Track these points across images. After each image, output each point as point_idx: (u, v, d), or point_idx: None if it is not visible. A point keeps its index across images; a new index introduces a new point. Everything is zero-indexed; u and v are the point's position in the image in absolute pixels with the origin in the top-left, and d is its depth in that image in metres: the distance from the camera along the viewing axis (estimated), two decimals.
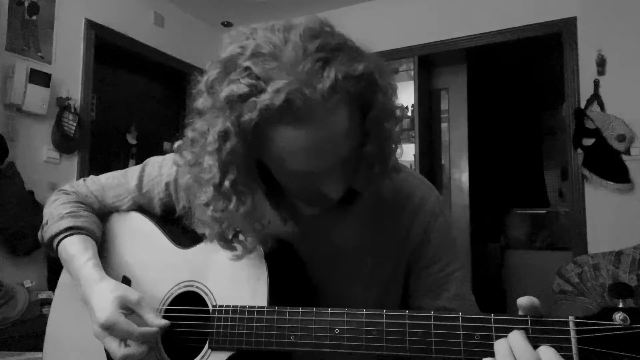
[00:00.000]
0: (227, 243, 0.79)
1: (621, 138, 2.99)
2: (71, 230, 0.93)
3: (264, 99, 0.63)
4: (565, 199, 4.77)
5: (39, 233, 0.99)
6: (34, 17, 2.87)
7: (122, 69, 3.72)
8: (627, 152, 3.00)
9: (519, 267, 4.38)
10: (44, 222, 0.98)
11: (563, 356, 0.57)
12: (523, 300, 0.60)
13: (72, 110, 3.01)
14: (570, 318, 0.58)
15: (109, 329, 0.78)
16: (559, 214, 4.61)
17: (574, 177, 3.18)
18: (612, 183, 3.02)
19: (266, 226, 0.78)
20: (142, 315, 0.80)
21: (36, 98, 2.79)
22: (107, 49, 3.39)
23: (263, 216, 0.77)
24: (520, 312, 0.62)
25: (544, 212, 4.81)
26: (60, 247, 0.93)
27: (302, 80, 0.64)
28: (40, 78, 2.81)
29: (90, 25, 3.24)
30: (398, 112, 0.75)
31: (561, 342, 0.58)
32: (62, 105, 2.98)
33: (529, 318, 0.60)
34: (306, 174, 0.70)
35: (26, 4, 2.83)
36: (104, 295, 0.81)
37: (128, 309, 0.81)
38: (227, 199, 0.73)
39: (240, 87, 0.65)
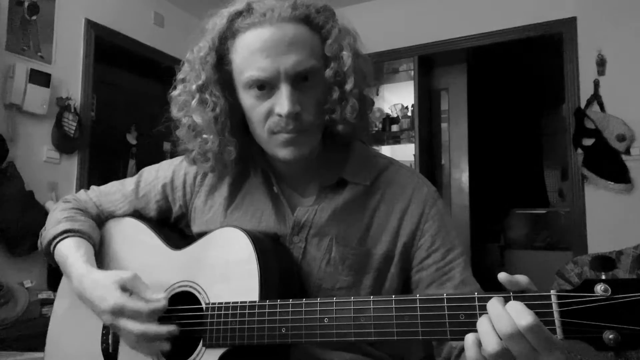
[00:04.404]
0: (202, 156, 0.88)
1: (621, 138, 2.99)
2: (67, 233, 0.95)
3: (232, 8, 0.82)
4: (565, 199, 4.78)
5: (39, 241, 1.01)
6: (34, 17, 2.87)
7: (122, 69, 3.72)
8: (627, 152, 2.99)
9: (519, 267, 4.39)
10: (43, 229, 1.00)
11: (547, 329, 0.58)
12: (502, 276, 0.62)
13: (72, 110, 3.01)
14: (552, 292, 0.59)
15: (119, 312, 0.80)
16: (559, 214, 4.62)
17: (574, 177, 3.18)
18: (612, 183, 3.02)
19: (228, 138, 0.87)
20: (141, 293, 0.82)
21: (36, 98, 2.79)
22: (107, 49, 3.38)
23: (227, 127, 0.86)
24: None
25: (544, 212, 4.81)
26: (56, 250, 0.95)
27: None
28: (40, 78, 2.81)
29: (90, 25, 3.24)
30: (362, 56, 0.87)
31: (544, 316, 0.58)
32: (62, 105, 2.98)
33: (511, 294, 0.61)
34: (262, 86, 0.79)
35: (26, 4, 2.83)
36: (100, 285, 0.83)
37: (126, 290, 0.83)
38: (199, 102, 0.85)
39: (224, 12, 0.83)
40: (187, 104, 0.88)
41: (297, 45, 0.79)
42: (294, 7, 0.80)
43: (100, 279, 0.84)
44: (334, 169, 0.90)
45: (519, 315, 0.57)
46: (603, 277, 0.58)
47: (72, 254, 0.91)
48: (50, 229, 0.97)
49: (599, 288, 0.57)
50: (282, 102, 0.79)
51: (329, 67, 0.83)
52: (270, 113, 0.81)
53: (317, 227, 0.88)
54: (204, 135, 0.86)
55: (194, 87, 0.86)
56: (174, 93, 0.91)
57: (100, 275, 0.85)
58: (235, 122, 0.87)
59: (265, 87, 0.80)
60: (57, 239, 0.94)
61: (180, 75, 0.90)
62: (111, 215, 1.05)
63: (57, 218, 0.97)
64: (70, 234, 0.95)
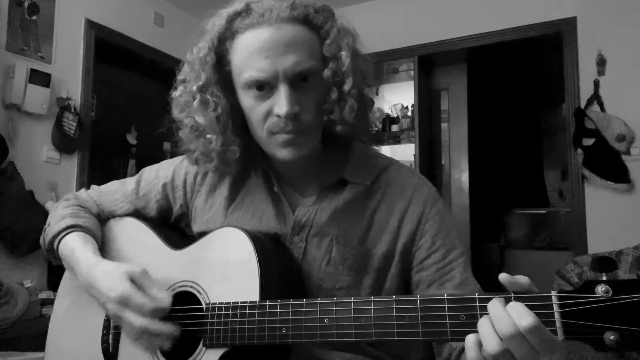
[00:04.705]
0: (206, 156, 0.88)
1: (621, 138, 2.99)
2: (72, 228, 0.95)
3: (230, 8, 0.82)
4: (565, 199, 4.78)
5: (41, 238, 1.01)
6: (34, 17, 2.87)
7: (122, 69, 3.72)
8: (627, 152, 3.00)
9: (519, 267, 4.39)
10: (46, 225, 0.99)
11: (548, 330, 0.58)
12: (502, 277, 0.62)
13: (72, 110, 3.01)
14: (553, 293, 0.59)
15: (125, 303, 0.79)
16: (559, 214, 4.62)
17: (574, 177, 3.18)
18: (612, 183, 3.02)
19: (231, 138, 0.87)
20: (147, 289, 0.81)
21: (36, 98, 2.79)
22: (107, 49, 3.38)
23: (229, 127, 0.86)
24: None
25: (544, 212, 4.81)
26: (61, 245, 0.94)
27: None
28: (40, 78, 2.81)
29: (90, 25, 3.23)
30: (361, 55, 0.87)
31: (545, 317, 0.58)
32: (62, 105, 2.98)
33: (512, 295, 0.61)
34: (261, 86, 0.80)
35: (26, 4, 2.83)
36: (110, 274, 0.83)
37: (135, 283, 0.81)
38: (201, 102, 0.85)
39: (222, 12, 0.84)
40: (189, 104, 0.88)
41: (296, 45, 0.79)
42: (292, 7, 0.80)
43: (110, 269, 0.84)
44: (334, 169, 0.90)
45: (519, 316, 0.57)
46: (604, 278, 0.58)
47: (78, 247, 0.91)
48: (54, 224, 0.96)
49: (600, 289, 0.57)
50: (280, 102, 0.79)
51: (328, 68, 0.82)
52: (269, 113, 0.81)
53: (318, 227, 0.88)
54: (207, 136, 0.87)
55: (194, 87, 0.86)
56: (175, 94, 0.91)
57: (110, 266, 0.85)
58: (236, 121, 0.87)
59: (264, 87, 0.80)
60: (62, 234, 0.94)
61: (180, 76, 0.90)
62: (112, 215, 1.05)
63: (61, 214, 0.97)
64: (75, 229, 0.95)
